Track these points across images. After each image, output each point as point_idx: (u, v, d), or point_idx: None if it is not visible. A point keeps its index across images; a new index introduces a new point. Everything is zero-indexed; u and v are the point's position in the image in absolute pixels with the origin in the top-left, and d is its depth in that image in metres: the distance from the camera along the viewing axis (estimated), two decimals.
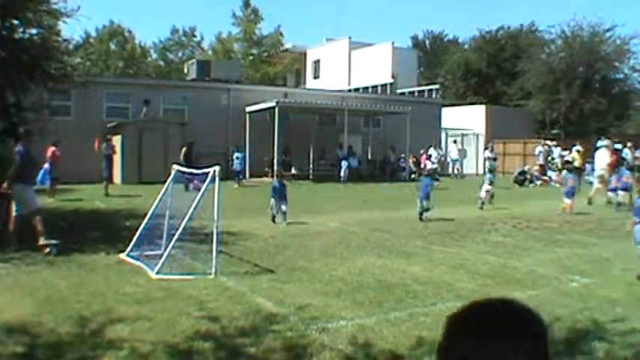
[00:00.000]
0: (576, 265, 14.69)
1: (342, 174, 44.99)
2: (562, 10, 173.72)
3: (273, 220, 21.60)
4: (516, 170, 46.59)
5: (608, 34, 65.52)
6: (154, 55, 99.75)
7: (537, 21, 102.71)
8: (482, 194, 27.91)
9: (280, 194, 22.24)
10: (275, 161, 44.38)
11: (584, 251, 16.75)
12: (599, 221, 22.63)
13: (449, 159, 56.33)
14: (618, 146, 47.06)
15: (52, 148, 31.13)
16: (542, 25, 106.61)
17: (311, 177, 45.88)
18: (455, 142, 57.82)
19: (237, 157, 40.91)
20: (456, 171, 53.43)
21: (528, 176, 45.19)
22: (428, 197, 22.44)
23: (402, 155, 51.21)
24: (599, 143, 40.24)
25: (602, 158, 34.17)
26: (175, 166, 16.98)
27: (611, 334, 9.27)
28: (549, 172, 46.34)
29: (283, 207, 21.79)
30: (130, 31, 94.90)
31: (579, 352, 8.46)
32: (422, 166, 50.81)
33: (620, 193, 27.93)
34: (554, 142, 50.17)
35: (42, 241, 15.53)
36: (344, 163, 45.85)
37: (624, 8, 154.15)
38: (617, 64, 66.10)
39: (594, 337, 9.08)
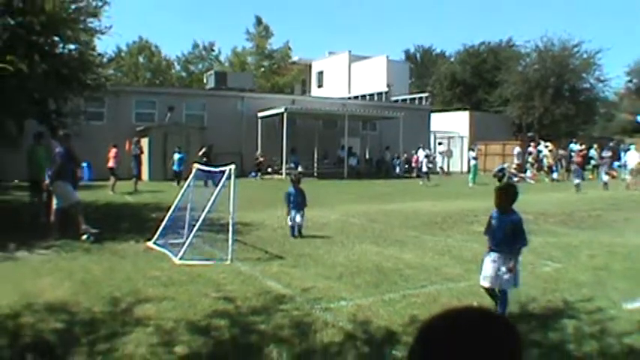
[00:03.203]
0: (548, 252, 14.66)
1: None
2: (536, 27, 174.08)
3: (293, 234, 16.68)
4: (496, 167, 46.71)
5: (576, 49, 66.46)
6: (178, 67, 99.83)
7: (514, 37, 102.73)
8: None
9: (296, 202, 17.05)
10: (284, 161, 44.56)
11: (556, 240, 16.75)
12: (569, 214, 22.64)
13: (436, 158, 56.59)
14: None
15: (114, 149, 31.48)
16: (519, 40, 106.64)
17: (315, 175, 45.88)
18: (440, 143, 58.03)
19: (177, 158, 37.72)
20: (438, 169, 53.54)
21: (507, 172, 45.26)
22: None
23: (396, 155, 51.37)
24: (630, 146, 41.75)
25: (633, 157, 37.53)
26: (196, 165, 17.04)
27: (579, 312, 9.29)
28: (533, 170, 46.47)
29: (298, 218, 16.82)
30: (156, 46, 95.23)
31: (552, 329, 8.46)
32: (412, 165, 50.95)
33: None
34: (546, 143, 50.23)
35: (83, 229, 15.67)
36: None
37: (591, 26, 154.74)
38: (584, 75, 67.01)
39: (565, 316, 9.10)
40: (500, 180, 44.56)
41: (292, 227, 16.87)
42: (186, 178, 18.53)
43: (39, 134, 19.42)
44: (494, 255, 9.09)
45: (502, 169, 45.35)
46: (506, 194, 9.25)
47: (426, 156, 44.11)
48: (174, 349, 7.50)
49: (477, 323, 1.85)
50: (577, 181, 37.21)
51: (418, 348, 1.87)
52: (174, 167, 36.74)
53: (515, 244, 9.04)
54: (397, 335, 8.08)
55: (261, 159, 45.03)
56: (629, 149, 58.94)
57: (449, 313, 1.93)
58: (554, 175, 46.12)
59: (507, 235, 8.98)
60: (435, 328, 1.88)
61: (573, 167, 42.32)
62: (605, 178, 38.27)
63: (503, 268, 8.91)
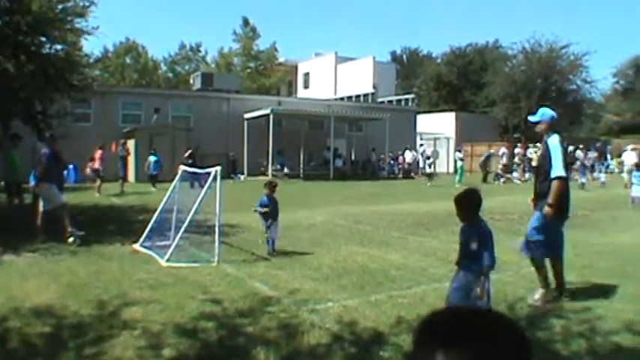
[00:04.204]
0: None
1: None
2: (523, 28, 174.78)
3: (273, 251, 14.35)
4: (483, 155, 46.99)
5: (563, 51, 66.83)
6: (164, 68, 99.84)
7: (501, 38, 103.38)
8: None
9: (269, 213, 14.67)
10: (270, 162, 44.58)
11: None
12: None
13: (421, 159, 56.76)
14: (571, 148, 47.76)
15: (100, 151, 31.42)
16: (506, 42, 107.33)
17: (301, 176, 45.97)
18: (421, 145, 58.21)
19: (153, 161, 36.38)
20: (427, 169, 53.91)
21: (492, 157, 45.61)
22: None
23: (382, 156, 51.46)
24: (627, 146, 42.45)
25: (630, 157, 38.57)
26: (182, 167, 17.03)
27: (566, 311, 9.35)
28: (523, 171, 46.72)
29: (273, 232, 14.62)
30: (143, 47, 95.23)
31: (539, 328, 8.48)
32: (399, 166, 51.16)
33: None
34: (536, 145, 50.47)
35: (69, 231, 15.64)
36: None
37: (578, 28, 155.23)
38: (571, 76, 67.47)
39: (552, 315, 9.15)
40: (485, 170, 44.96)
41: (268, 240, 14.51)
42: (161, 181, 18.47)
43: (14, 135, 19.36)
44: (462, 274, 7.94)
45: (489, 156, 45.69)
46: (464, 202, 7.97)
47: (427, 157, 44.23)
48: (161, 351, 7.49)
49: (494, 329, 1.73)
50: (582, 179, 37.70)
51: (428, 350, 1.71)
52: (150, 170, 35.97)
53: (481, 262, 7.73)
54: (384, 336, 8.09)
55: (233, 158, 45.07)
56: (609, 150, 59.50)
57: (461, 314, 1.86)
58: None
59: (474, 251, 7.78)
60: (448, 330, 1.74)
61: (577, 166, 42.89)
62: (584, 179, 38.65)
63: (474, 292, 7.72)
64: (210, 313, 9.11)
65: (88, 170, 32.28)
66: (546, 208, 10.04)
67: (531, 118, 10.99)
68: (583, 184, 38.11)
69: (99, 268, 12.62)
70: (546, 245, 10.31)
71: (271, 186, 15.16)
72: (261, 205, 14.76)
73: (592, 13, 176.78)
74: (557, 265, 10.34)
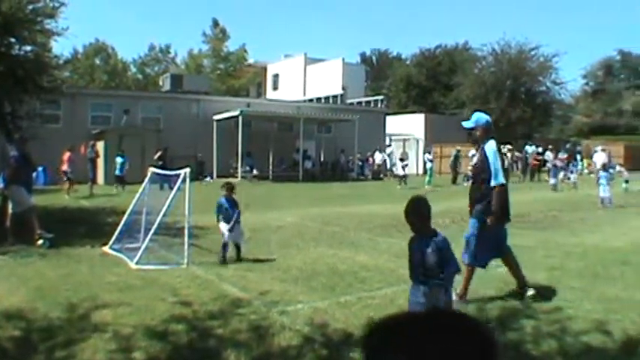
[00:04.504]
0: None
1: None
2: (493, 30, 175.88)
3: (224, 260, 13.44)
4: (452, 155, 47.31)
5: (533, 52, 67.34)
6: (134, 70, 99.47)
7: (471, 40, 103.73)
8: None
9: (227, 216, 13.95)
10: (239, 164, 44.54)
11: (511, 240, 16.82)
12: (525, 215, 22.83)
13: (393, 160, 56.88)
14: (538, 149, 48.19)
15: (68, 153, 31.19)
16: (475, 43, 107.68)
17: (270, 177, 45.93)
18: (389, 145, 58.32)
19: (120, 163, 35.84)
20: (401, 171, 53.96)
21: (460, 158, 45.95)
22: None
23: (351, 157, 51.51)
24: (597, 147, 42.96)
25: (600, 157, 38.89)
26: (151, 169, 16.97)
27: (537, 312, 9.38)
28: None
29: (236, 236, 13.91)
30: (113, 48, 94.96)
31: (510, 329, 8.53)
32: (370, 167, 51.33)
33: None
34: (507, 145, 50.78)
35: (38, 234, 15.54)
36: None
37: (548, 30, 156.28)
38: (540, 78, 67.86)
39: (522, 316, 9.19)
40: (455, 170, 45.22)
41: (224, 245, 13.66)
42: (130, 183, 18.39)
43: None
44: (423, 289, 7.24)
45: (457, 156, 45.97)
46: (415, 213, 7.45)
47: (401, 159, 44.29)
48: (132, 354, 7.48)
49: (455, 330, 1.63)
50: (553, 180, 38.01)
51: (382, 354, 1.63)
52: (117, 172, 35.59)
53: (445, 271, 7.22)
54: (354, 337, 8.11)
55: (201, 159, 44.99)
56: (579, 151, 59.88)
57: (418, 316, 1.80)
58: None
59: (433, 263, 7.18)
60: (402, 332, 1.66)
61: (549, 167, 43.31)
62: (553, 180, 38.95)
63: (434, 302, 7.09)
64: (180, 316, 9.10)
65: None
66: (490, 219, 9.97)
67: (465, 124, 10.81)
68: (554, 185, 38.44)
69: (69, 270, 12.57)
70: (473, 251, 10.26)
71: (229, 187, 14.50)
72: (220, 209, 14.12)
73: (562, 14, 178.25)
74: (471, 272, 10.25)
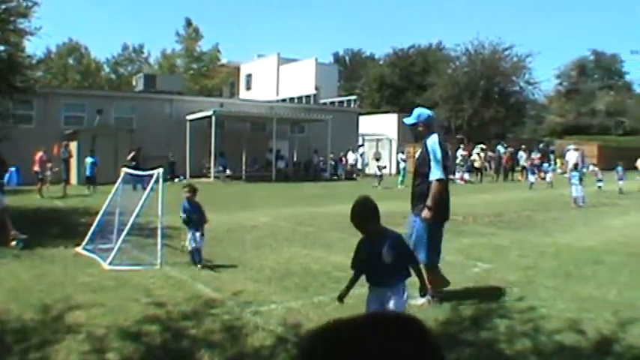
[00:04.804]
0: (478, 253, 14.92)
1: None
2: (467, 30, 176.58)
3: (194, 261, 13.17)
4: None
5: (506, 53, 67.62)
6: (107, 69, 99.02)
7: (444, 40, 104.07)
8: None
9: (190, 220, 13.46)
10: (212, 164, 44.45)
11: (485, 240, 16.97)
12: (499, 215, 22.97)
13: (365, 160, 56.92)
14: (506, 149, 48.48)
15: (40, 153, 31.00)
16: (449, 43, 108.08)
17: (244, 177, 45.91)
18: (361, 145, 58.28)
19: (90, 163, 34.91)
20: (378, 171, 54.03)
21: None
22: None
23: (322, 158, 51.51)
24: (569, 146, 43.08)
25: (572, 156, 39.81)
26: (124, 169, 16.93)
27: (510, 311, 9.44)
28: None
29: (198, 241, 13.29)
30: (86, 48, 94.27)
31: (484, 329, 8.57)
32: (342, 167, 51.36)
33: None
34: (481, 145, 50.91)
35: (12, 235, 15.44)
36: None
37: (522, 30, 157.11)
38: (514, 78, 68.26)
39: (496, 315, 9.24)
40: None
41: (192, 252, 13.30)
42: (102, 183, 18.29)
43: None
44: (380, 291, 7.15)
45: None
46: (361, 214, 7.13)
47: (376, 159, 44.32)
48: (105, 355, 7.47)
49: (396, 332, 1.58)
50: (531, 179, 38.30)
51: None
52: (87, 172, 35.01)
53: (404, 269, 7.11)
54: None
55: (173, 159, 44.84)
56: (552, 151, 60.24)
57: (356, 319, 1.69)
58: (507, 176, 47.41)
59: (389, 263, 6.90)
60: (339, 337, 1.58)
61: (527, 165, 43.73)
62: (532, 178, 39.27)
63: (391, 304, 6.94)
64: (153, 317, 9.09)
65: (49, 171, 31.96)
66: (425, 212, 9.79)
67: (407, 120, 10.66)
68: (532, 184, 38.75)
69: (42, 271, 12.52)
70: (427, 248, 9.96)
71: (191, 189, 13.77)
72: (184, 211, 13.49)
73: (536, 15, 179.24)
74: (431, 270, 9.88)
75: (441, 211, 10.02)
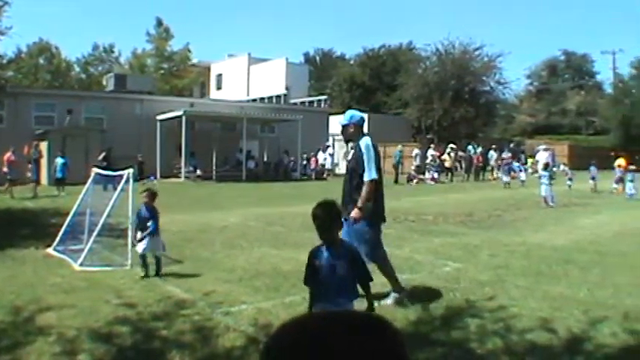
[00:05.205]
0: (448, 252, 14.95)
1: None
2: (437, 30, 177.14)
3: (146, 272, 12.08)
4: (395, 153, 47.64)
5: (477, 53, 67.79)
6: (78, 69, 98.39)
7: (415, 40, 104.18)
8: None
9: (145, 226, 12.40)
10: (183, 164, 44.34)
11: (456, 240, 17.03)
12: (469, 214, 23.07)
13: (335, 160, 56.98)
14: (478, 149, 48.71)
15: (8, 154, 30.82)
16: (419, 43, 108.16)
17: (214, 178, 45.80)
18: (329, 146, 58.32)
19: (60, 164, 34.46)
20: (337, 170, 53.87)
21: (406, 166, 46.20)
22: None
23: (292, 158, 51.48)
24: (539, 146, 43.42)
25: (542, 156, 39.37)
26: (95, 169, 16.87)
27: (481, 311, 9.47)
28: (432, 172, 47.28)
29: (142, 245, 12.24)
30: (56, 48, 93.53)
31: (454, 328, 8.59)
32: (312, 167, 51.34)
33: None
34: (452, 145, 51.11)
35: None
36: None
37: (492, 30, 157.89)
38: (484, 78, 68.34)
39: (467, 315, 9.26)
40: (397, 170, 45.51)
41: (142, 257, 12.22)
42: (72, 184, 18.18)
43: None
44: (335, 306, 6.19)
45: (398, 161, 46.23)
46: (328, 218, 6.48)
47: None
48: (77, 357, 7.45)
49: (356, 331, 1.54)
50: (505, 178, 38.57)
51: None
52: (57, 173, 34.44)
53: (354, 289, 6.50)
54: None
55: (142, 160, 44.66)
56: (522, 151, 60.61)
57: (317, 318, 1.75)
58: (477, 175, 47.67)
59: (343, 278, 6.31)
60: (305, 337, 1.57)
61: (499, 164, 44.12)
62: (507, 178, 39.54)
63: None
64: (124, 318, 9.07)
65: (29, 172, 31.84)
66: (355, 212, 9.58)
67: (340, 122, 10.59)
68: (507, 183, 39.00)
69: (13, 272, 12.47)
70: (372, 249, 9.71)
71: (149, 194, 12.83)
72: (140, 218, 12.55)
73: (506, 15, 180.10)
74: (384, 268, 10.03)
75: (377, 211, 9.95)
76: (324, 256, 6.40)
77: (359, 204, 9.60)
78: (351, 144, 10.37)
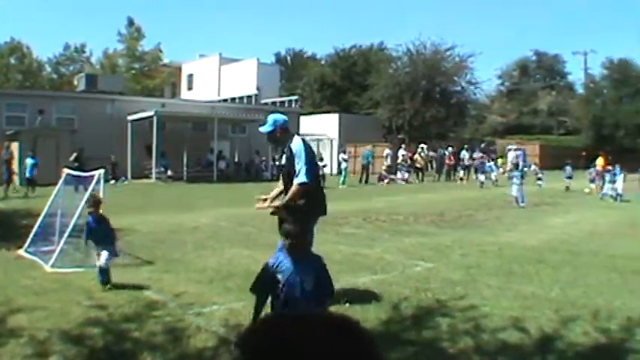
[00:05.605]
0: (420, 252, 15.01)
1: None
2: (409, 31, 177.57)
3: (103, 281, 11.02)
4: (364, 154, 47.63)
5: (448, 53, 67.78)
6: (49, 69, 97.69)
7: (386, 40, 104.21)
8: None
9: (97, 238, 11.56)
10: (154, 164, 44.20)
11: (427, 240, 17.08)
12: (440, 214, 23.15)
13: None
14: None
15: None
16: (391, 43, 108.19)
17: (185, 178, 45.72)
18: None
19: (30, 164, 33.86)
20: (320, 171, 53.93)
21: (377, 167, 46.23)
22: None
23: (264, 158, 51.41)
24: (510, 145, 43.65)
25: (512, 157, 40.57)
26: (66, 170, 16.79)
27: (452, 310, 9.52)
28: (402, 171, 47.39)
29: (103, 259, 11.10)
30: (28, 47, 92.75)
31: (425, 327, 8.63)
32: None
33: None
34: (421, 145, 51.22)
35: None
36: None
37: (464, 31, 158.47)
38: (455, 78, 68.43)
39: (438, 314, 9.30)
40: (366, 170, 45.58)
41: (104, 270, 11.14)
42: (44, 185, 18.06)
43: None
44: None
45: (368, 161, 46.29)
46: (300, 220, 6.26)
47: (321, 159, 44.46)
48: (48, 359, 7.43)
49: (330, 331, 1.57)
50: (481, 177, 38.84)
51: None
52: (27, 173, 34.10)
53: (315, 307, 5.95)
54: None
55: (115, 160, 44.42)
56: (493, 150, 60.96)
57: (292, 318, 1.74)
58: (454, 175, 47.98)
59: (314, 292, 5.98)
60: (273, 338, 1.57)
61: (477, 164, 44.41)
62: (482, 177, 39.83)
63: None
64: (96, 319, 9.03)
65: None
66: (276, 208, 9.35)
67: (263, 129, 10.26)
68: (482, 182, 39.25)
69: None
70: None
71: (94, 202, 11.89)
72: (89, 229, 11.66)
73: (478, 15, 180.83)
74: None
75: (309, 213, 9.21)
76: (289, 268, 6.02)
77: (282, 202, 9.46)
78: (281, 147, 10.14)
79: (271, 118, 10.18)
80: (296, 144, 9.65)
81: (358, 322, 1.68)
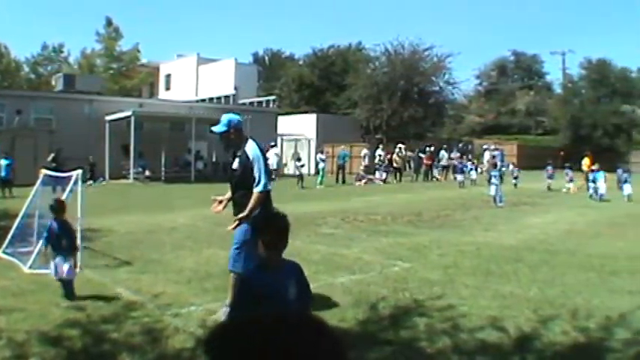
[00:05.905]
0: (397, 252, 15.06)
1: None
2: (387, 31, 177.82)
3: (68, 294, 10.38)
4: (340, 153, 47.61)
5: (426, 53, 67.46)
6: (27, 69, 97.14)
7: (364, 40, 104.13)
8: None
9: (59, 244, 10.65)
10: (132, 165, 44.08)
11: (405, 240, 17.11)
12: (418, 214, 23.20)
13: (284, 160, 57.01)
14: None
15: None
16: (368, 43, 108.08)
17: (163, 178, 45.62)
18: (273, 146, 58.35)
19: (5, 165, 33.43)
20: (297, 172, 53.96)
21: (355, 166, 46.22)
22: None
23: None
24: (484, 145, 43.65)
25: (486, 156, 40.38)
26: (44, 171, 16.72)
27: (430, 310, 9.55)
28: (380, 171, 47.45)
29: (65, 271, 10.41)
30: (6, 47, 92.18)
31: (402, 327, 8.65)
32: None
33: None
34: (400, 145, 51.27)
35: None
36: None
37: (442, 31, 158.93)
38: (433, 78, 68.08)
39: (415, 314, 9.34)
40: (342, 170, 45.57)
41: (63, 282, 10.53)
42: (20, 185, 17.96)
43: None
44: None
45: (344, 161, 46.28)
46: (285, 229, 5.24)
47: (298, 159, 44.45)
48: None
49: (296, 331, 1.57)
50: (459, 177, 39.01)
51: None
52: (2, 174, 33.45)
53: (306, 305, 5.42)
54: None
55: (93, 161, 44.27)
56: (470, 150, 61.18)
57: (259, 319, 1.67)
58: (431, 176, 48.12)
59: (295, 300, 5.23)
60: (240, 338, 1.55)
61: (455, 164, 44.65)
62: (460, 177, 40.02)
63: None
64: (74, 320, 9.01)
65: None
66: (241, 217, 8.93)
67: (216, 129, 9.67)
68: (462, 182, 39.40)
69: None
70: (245, 259, 8.86)
71: (59, 206, 11.19)
72: (48, 236, 10.85)
73: (456, 15, 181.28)
74: (239, 280, 9.32)
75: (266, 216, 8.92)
76: (268, 277, 5.20)
77: (245, 212, 8.91)
78: (233, 150, 9.72)
79: (226, 117, 9.63)
80: (252, 149, 9.24)
81: (325, 321, 1.67)
